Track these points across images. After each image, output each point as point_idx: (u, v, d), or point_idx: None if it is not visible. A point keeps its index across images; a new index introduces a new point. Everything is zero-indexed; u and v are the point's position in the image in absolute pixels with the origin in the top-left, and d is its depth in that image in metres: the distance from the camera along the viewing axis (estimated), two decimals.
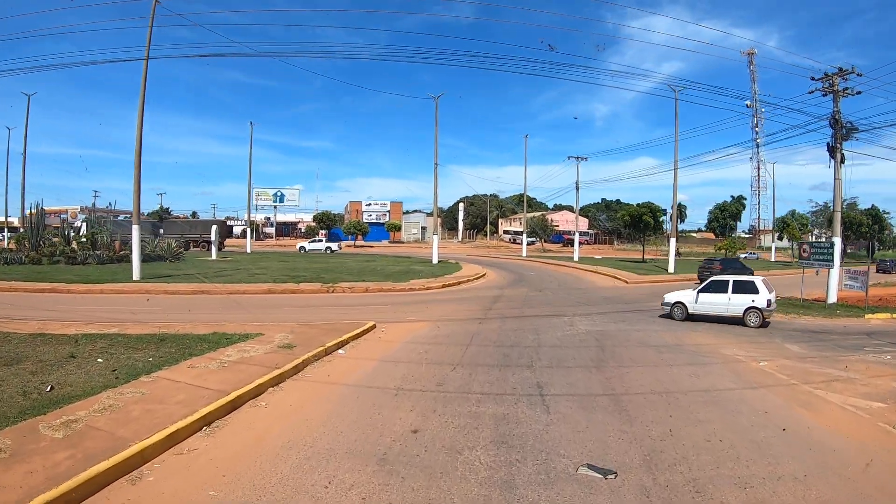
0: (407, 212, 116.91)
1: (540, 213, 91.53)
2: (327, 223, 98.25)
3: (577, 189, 48.26)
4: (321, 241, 64.39)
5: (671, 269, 35.95)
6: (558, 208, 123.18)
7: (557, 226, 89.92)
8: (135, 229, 26.43)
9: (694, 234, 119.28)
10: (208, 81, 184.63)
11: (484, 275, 32.16)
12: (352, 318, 15.82)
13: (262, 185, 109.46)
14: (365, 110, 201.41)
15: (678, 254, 52.46)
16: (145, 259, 37.47)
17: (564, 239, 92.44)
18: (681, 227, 72.15)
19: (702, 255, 70.37)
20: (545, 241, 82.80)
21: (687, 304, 17.61)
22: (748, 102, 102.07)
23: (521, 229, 77.15)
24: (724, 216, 51.06)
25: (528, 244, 71.48)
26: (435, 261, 41.37)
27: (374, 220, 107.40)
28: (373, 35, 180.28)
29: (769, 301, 16.43)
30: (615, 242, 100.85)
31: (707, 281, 18.26)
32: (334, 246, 62.45)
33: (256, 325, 13.85)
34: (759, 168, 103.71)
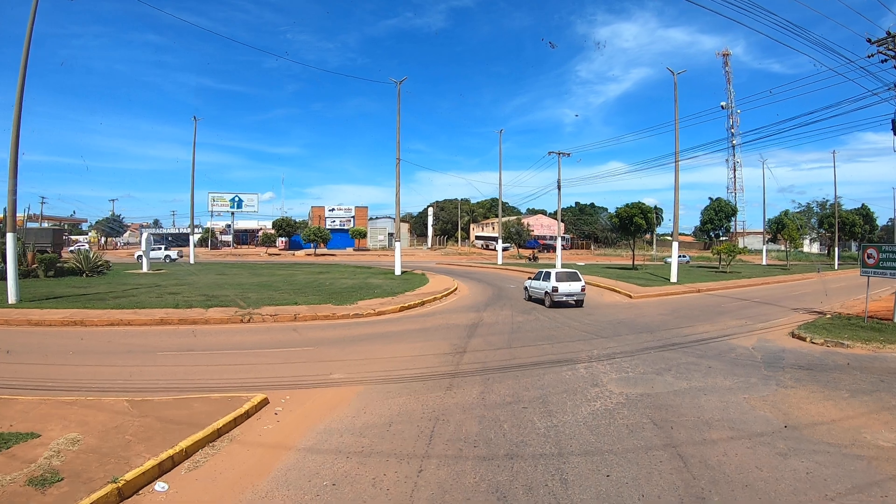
0: (373, 218, 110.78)
1: (515, 218, 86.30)
2: (287, 230, 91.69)
3: (560, 188, 42.84)
4: (160, 248, 56.79)
5: (674, 277, 30.66)
6: (531, 213, 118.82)
7: (533, 231, 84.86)
8: (9, 238, 20.43)
9: (669, 238, 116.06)
10: (178, 86, 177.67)
11: (455, 289, 26.29)
12: (242, 376, 9.78)
13: (219, 190, 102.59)
14: (335, 116, 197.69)
15: (642, 264, 47.39)
16: (57, 273, 31.18)
17: (540, 244, 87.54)
18: (658, 230, 67.64)
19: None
20: (520, 247, 77.51)
21: (528, 289, 23.54)
22: (723, 103, 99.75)
23: (495, 235, 71.61)
24: (720, 217, 46.59)
25: (503, 250, 66.15)
26: (398, 272, 35.46)
27: (338, 227, 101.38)
28: (342, 39, 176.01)
29: (555, 288, 20.77)
30: (592, 247, 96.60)
31: (536, 272, 23.50)
32: (173, 254, 55.06)
33: (58, 404, 7.71)
34: (735, 169, 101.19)
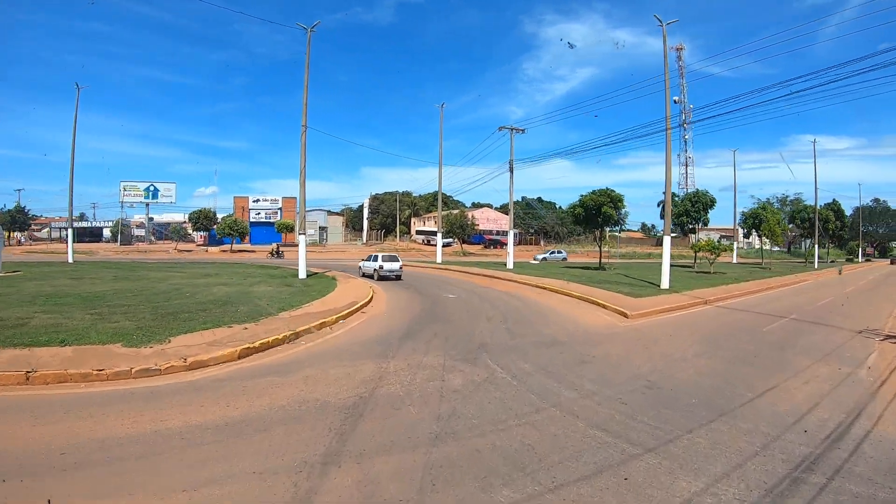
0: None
1: (458, 210, 78.50)
2: (205, 223, 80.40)
3: (512, 170, 35.06)
4: None
5: (665, 282, 23.32)
6: (477, 206, 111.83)
7: (478, 225, 77.47)
8: None
9: (619, 235, 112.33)
10: (125, 77, 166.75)
11: (367, 302, 17.99)
12: None
13: (133, 179, 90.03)
14: (283, 111, 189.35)
15: (608, 263, 40.83)
16: None
17: (486, 240, 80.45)
18: (619, 227, 61.37)
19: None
20: (464, 243, 69.81)
21: (361, 268, 31.97)
22: (676, 98, 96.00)
23: (436, 228, 63.62)
24: (697, 209, 41.12)
25: (445, 246, 58.34)
26: (302, 274, 26.78)
27: (263, 220, 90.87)
28: (290, 32, 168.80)
29: (381, 266, 28.75)
30: (542, 243, 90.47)
31: (367, 255, 32.80)
32: None
33: None
34: (687, 165, 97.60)
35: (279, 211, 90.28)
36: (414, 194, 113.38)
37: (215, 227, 75.67)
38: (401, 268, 29.28)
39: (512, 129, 35.16)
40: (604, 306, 17.62)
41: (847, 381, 9.60)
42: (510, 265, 36.68)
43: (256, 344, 11.14)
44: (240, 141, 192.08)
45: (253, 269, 36.52)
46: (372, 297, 19.48)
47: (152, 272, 30.96)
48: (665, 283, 23.14)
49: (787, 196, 72.87)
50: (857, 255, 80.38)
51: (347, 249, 70.98)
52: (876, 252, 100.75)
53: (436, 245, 56.91)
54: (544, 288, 23.70)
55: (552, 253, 60.28)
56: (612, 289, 22.11)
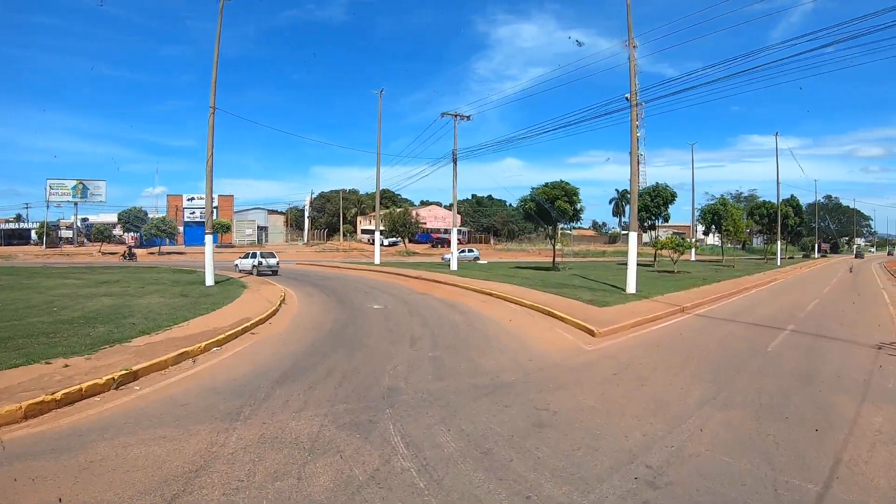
0: (241, 210, 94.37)
1: (402, 208, 74.71)
2: (136, 224, 73.85)
3: (455, 162, 31.59)
4: None
5: (631, 286, 20.18)
6: (425, 204, 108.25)
7: (425, 223, 73.88)
8: None
9: (568, 231, 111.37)
10: (70, 71, 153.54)
11: (269, 317, 14.13)
12: None
13: (61, 176, 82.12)
14: (234, 108, 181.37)
15: (561, 262, 38.17)
16: None
17: (433, 238, 77.00)
18: (571, 225, 58.84)
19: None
20: (410, 241, 66.08)
21: (238, 265, 33.02)
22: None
23: (382, 227, 59.48)
24: (657, 203, 39.35)
25: (390, 245, 54.57)
26: (210, 281, 22.57)
27: (198, 220, 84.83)
28: (240, 29, 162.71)
29: (260, 262, 31.78)
30: (492, 241, 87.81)
31: (244, 253, 35.95)
32: None
33: None
34: (639, 163, 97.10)
35: (215, 210, 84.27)
36: (361, 192, 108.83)
37: (142, 228, 69.57)
38: (277, 263, 32.16)
39: (456, 116, 31.74)
40: (563, 319, 14.21)
41: None
42: (454, 266, 33.28)
43: (58, 396, 7.09)
44: (189, 139, 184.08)
45: (166, 273, 31.95)
46: (276, 310, 15.52)
47: (49, 279, 26.55)
48: (631, 287, 20.04)
49: (741, 192, 72.83)
50: (814, 252, 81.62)
51: (286, 250, 65.96)
52: (829, 248, 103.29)
53: (382, 244, 53.05)
54: (490, 294, 20.23)
55: (462, 252, 56.51)
56: (570, 294, 18.87)
